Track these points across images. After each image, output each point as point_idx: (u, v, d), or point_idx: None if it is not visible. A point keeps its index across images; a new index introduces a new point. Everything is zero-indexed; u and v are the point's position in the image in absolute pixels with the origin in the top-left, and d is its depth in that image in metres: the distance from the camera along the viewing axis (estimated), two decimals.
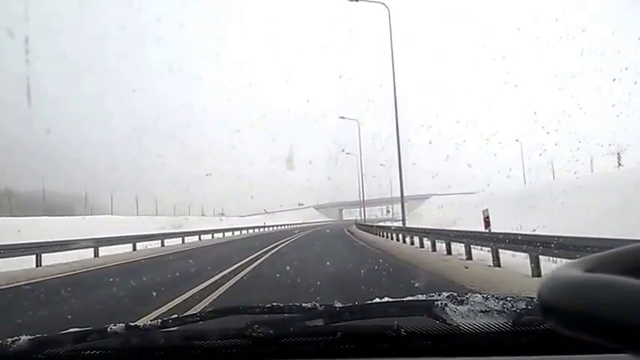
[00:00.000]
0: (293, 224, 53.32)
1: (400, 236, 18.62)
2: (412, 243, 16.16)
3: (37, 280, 9.96)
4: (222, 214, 53.79)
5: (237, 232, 34.17)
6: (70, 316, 5.31)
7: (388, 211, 54.47)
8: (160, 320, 1.31)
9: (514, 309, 1.17)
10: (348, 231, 32.40)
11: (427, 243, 14.23)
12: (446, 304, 1.20)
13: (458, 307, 1.19)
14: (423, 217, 32.59)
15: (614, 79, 19.13)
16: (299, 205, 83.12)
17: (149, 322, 1.30)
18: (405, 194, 21.55)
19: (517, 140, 34.05)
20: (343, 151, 39.24)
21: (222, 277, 8.71)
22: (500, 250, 9.12)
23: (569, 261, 0.48)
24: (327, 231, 34.65)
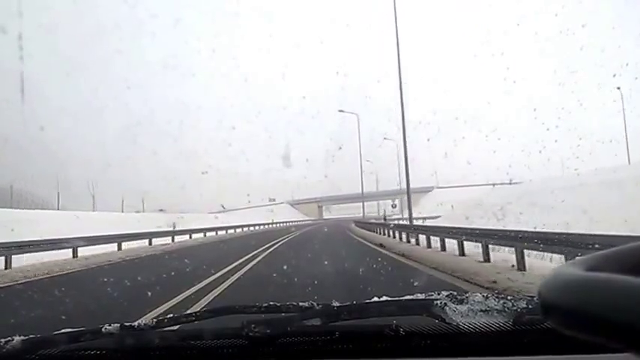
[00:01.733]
0: (248, 226, 38.75)
1: None
2: None
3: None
4: (161, 210, 46.72)
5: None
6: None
7: (394, 206, 43.77)
8: (155, 320, 1.30)
9: (514, 308, 1.15)
10: None
11: None
12: (445, 304, 1.19)
13: (457, 307, 1.17)
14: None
15: (614, 75, 19.10)
16: (270, 200, 76.35)
17: (144, 322, 1.29)
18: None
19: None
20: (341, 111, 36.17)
21: None
22: None
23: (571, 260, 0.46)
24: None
